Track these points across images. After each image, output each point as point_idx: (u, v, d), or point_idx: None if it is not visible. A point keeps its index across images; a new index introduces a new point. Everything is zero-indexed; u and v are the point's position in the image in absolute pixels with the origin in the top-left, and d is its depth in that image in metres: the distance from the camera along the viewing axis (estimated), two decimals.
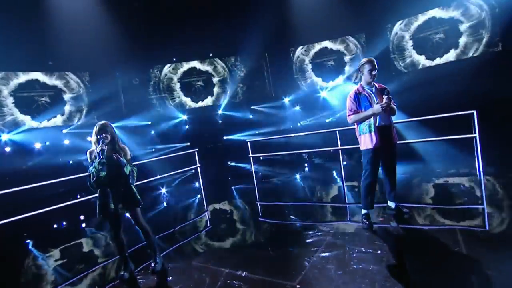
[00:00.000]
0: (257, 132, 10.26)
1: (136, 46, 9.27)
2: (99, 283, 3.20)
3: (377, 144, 3.36)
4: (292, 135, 7.02)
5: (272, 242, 3.55)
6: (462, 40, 7.72)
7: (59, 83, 9.23)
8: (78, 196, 6.63)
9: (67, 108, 9.33)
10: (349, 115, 3.55)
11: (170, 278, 3.03)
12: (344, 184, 5.71)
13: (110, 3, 8.86)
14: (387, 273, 2.49)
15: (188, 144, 10.21)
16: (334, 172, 6.83)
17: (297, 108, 10.52)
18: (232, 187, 7.06)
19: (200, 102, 11.07)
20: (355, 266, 2.66)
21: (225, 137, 10.79)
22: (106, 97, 9.65)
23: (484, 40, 7.34)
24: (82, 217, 6.23)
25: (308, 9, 9.60)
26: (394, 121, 3.65)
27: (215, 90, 11.10)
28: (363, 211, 3.55)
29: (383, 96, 3.28)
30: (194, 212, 5.56)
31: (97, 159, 2.82)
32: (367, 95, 3.46)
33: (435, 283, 2.31)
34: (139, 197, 3.10)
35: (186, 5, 9.67)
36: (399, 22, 8.72)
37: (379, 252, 2.86)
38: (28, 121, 8.71)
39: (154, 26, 9.62)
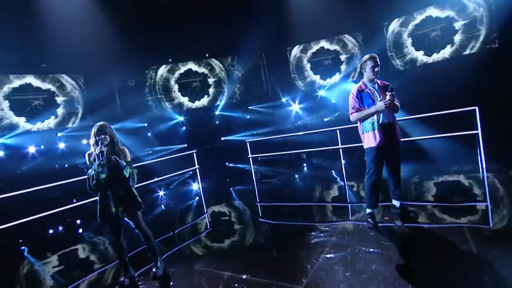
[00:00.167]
0: (254, 132, 10.19)
1: (131, 46, 9.12)
2: None
3: (381, 142, 3.30)
4: (292, 134, 6.95)
5: (275, 244, 3.47)
6: (460, 37, 7.72)
7: (52, 85, 9.06)
8: (74, 201, 6.49)
9: (62, 111, 9.17)
10: (351, 113, 3.50)
11: (172, 283, 2.94)
12: (346, 183, 5.65)
13: (104, 3, 8.72)
14: (397, 274, 2.42)
15: (186, 145, 10.11)
16: (333, 171, 6.77)
17: (296, 107, 10.47)
18: (232, 188, 6.96)
19: (197, 102, 10.96)
20: (363, 267, 2.59)
21: (222, 138, 10.70)
22: (102, 99, 9.50)
23: (482, 37, 7.34)
24: (78, 222, 6.10)
25: (304, 8, 9.55)
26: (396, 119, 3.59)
27: (212, 90, 11.00)
28: (368, 210, 3.49)
29: (387, 93, 3.23)
30: (193, 214, 5.47)
31: (96, 161, 2.72)
32: (369, 92, 3.40)
33: (447, 283, 2.25)
34: (140, 200, 3.00)
35: (181, 5, 9.57)
36: (396, 19, 8.71)
37: (386, 252, 2.80)
38: (22, 123, 8.54)
39: (149, 27, 9.49)
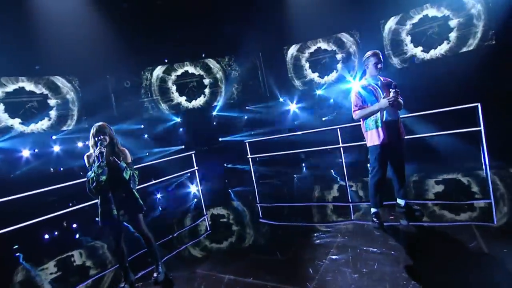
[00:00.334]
0: (253, 133, 10.12)
1: (127, 47, 8.99)
2: None
3: (385, 140, 3.24)
4: (292, 134, 6.88)
5: (279, 246, 3.38)
6: (457, 35, 7.71)
7: (46, 88, 8.89)
8: (70, 205, 6.36)
9: (57, 113, 9.01)
10: (354, 111, 3.43)
11: None
12: (347, 182, 5.59)
13: (98, 3, 8.59)
14: (406, 275, 2.35)
15: (183, 147, 10.00)
16: (332, 171, 6.71)
17: (293, 107, 10.41)
18: (231, 190, 6.87)
19: (194, 104, 10.84)
20: (371, 268, 2.52)
21: (220, 139, 10.61)
22: (97, 101, 9.36)
23: (479, 34, 7.34)
24: (75, 226, 5.97)
25: (301, 7, 9.50)
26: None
27: (209, 91, 10.90)
28: (373, 210, 3.42)
29: (390, 90, 3.16)
30: (193, 216, 5.37)
31: (96, 163, 2.61)
32: (373, 89, 3.34)
33: (459, 283, 2.19)
34: (141, 202, 2.91)
35: (177, 5, 9.47)
36: (392, 17, 8.69)
37: (393, 252, 2.73)
38: (16, 124, 8.37)
39: (144, 27, 9.36)
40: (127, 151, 2.90)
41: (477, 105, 4.13)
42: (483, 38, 7.28)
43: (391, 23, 8.77)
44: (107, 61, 9.18)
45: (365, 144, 3.52)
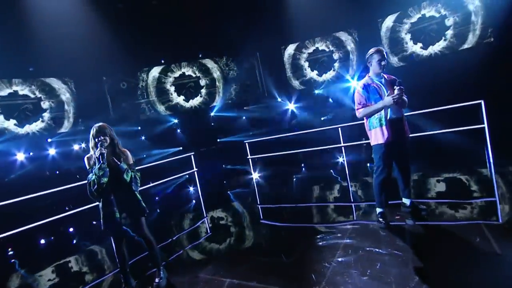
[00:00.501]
0: (251, 133, 10.03)
1: (122, 48, 8.85)
2: None
3: (389, 139, 3.18)
4: (292, 134, 6.81)
5: (283, 248, 3.30)
6: (455, 32, 7.70)
7: (41, 90, 8.73)
8: (67, 208, 6.23)
9: (52, 116, 8.85)
10: (358, 109, 3.38)
11: None
12: (349, 182, 5.52)
13: (93, 3, 8.46)
14: (418, 277, 2.28)
15: (181, 148, 9.89)
16: (332, 171, 6.64)
17: (291, 106, 10.36)
18: (231, 191, 6.78)
19: (191, 104, 10.73)
20: (380, 270, 2.45)
21: (219, 140, 10.52)
22: (93, 103, 9.22)
23: (477, 31, 7.33)
24: (71, 230, 5.85)
25: (299, 6, 9.45)
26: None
27: (207, 91, 10.80)
28: (378, 210, 3.36)
29: (395, 87, 3.11)
30: (192, 218, 5.28)
31: (96, 164, 2.52)
32: (376, 87, 3.28)
33: (472, 283, 2.13)
34: (144, 204, 2.82)
35: (174, 5, 9.38)
36: (390, 16, 8.66)
37: (402, 253, 2.67)
38: (11, 125, 8.21)
39: (140, 27, 9.23)
40: (128, 152, 2.81)
41: (481, 102, 4.09)
42: (482, 36, 7.28)
43: (389, 21, 8.74)
44: (103, 62, 9.04)
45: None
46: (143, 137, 9.98)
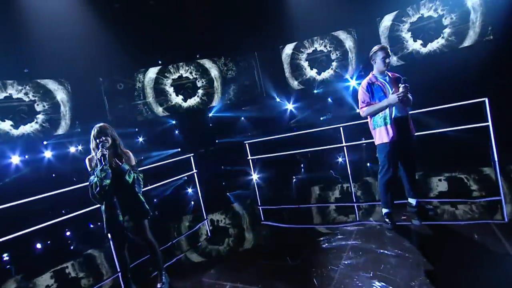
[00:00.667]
0: (250, 134, 9.95)
1: (119, 49, 8.73)
2: None
3: (394, 137, 3.12)
4: (293, 133, 6.74)
5: (287, 250, 3.22)
6: (455, 31, 7.69)
7: (36, 91, 8.58)
8: (64, 212, 6.11)
9: (48, 118, 8.70)
10: (361, 108, 3.31)
11: None
12: (351, 182, 5.46)
13: (89, 3, 8.33)
14: (430, 279, 2.22)
15: (179, 150, 9.78)
16: (331, 171, 6.57)
17: (290, 106, 10.29)
18: (231, 192, 6.69)
19: (189, 105, 10.61)
20: (390, 273, 2.38)
21: (217, 141, 10.42)
22: (90, 104, 9.08)
23: (477, 29, 7.32)
24: (68, 234, 5.74)
25: (297, 5, 9.40)
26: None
27: (205, 92, 10.69)
28: (384, 210, 3.29)
29: (400, 84, 3.05)
30: (192, 220, 5.19)
31: (98, 166, 2.43)
32: (381, 85, 3.22)
33: (489, 285, 2.06)
34: (147, 207, 2.74)
35: (171, 5, 9.28)
36: (389, 14, 8.63)
37: (411, 254, 2.60)
38: (7, 126, 8.05)
39: (137, 28, 9.10)
40: (130, 153, 2.72)
41: (485, 100, 4.05)
42: (482, 34, 7.26)
43: (388, 20, 8.70)
44: (99, 63, 8.89)
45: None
46: (140, 139, 9.85)
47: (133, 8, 8.95)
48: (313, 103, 9.81)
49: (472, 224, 2.94)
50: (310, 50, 10.14)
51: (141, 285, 3.00)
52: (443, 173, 4.73)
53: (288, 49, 10.39)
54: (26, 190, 5.80)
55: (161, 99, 10.38)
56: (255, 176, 7.21)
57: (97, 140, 2.53)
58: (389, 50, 3.22)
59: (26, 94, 8.47)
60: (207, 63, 10.69)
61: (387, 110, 3.15)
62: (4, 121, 8.06)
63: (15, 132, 8.18)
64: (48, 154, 8.47)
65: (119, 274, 3.48)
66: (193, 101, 10.61)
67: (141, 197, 2.70)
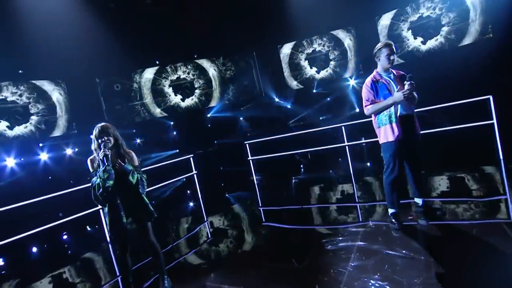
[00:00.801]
0: (248, 134, 9.86)
1: (116, 49, 8.61)
2: None
3: (400, 136, 3.05)
4: (294, 133, 6.67)
5: (292, 252, 3.15)
6: (454, 29, 7.67)
7: (31, 93, 8.43)
8: (61, 215, 5.99)
9: (44, 119, 8.55)
10: (366, 106, 3.25)
11: None
12: (354, 182, 5.39)
13: (85, 3, 8.20)
14: (441, 282, 2.15)
15: (177, 151, 9.68)
16: (331, 171, 6.52)
17: (290, 105, 10.23)
18: (231, 193, 6.61)
19: (187, 106, 10.50)
20: (401, 275, 2.31)
21: (216, 141, 10.33)
22: (86, 106, 8.95)
23: (477, 27, 7.30)
24: (65, 237, 5.62)
25: (295, 4, 9.35)
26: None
27: (203, 92, 10.59)
28: (391, 211, 3.23)
29: (405, 82, 2.99)
30: (193, 222, 5.10)
31: (101, 167, 2.34)
32: (385, 82, 3.16)
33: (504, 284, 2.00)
34: (152, 208, 2.66)
35: (168, 4, 9.18)
36: (388, 13, 8.60)
37: (421, 256, 2.53)
38: (2, 126, 7.90)
39: (134, 27, 8.98)
40: (133, 153, 2.64)
41: (489, 98, 4.00)
42: (482, 32, 7.25)
43: (387, 19, 8.67)
44: (96, 63, 8.77)
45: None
46: (138, 140, 9.74)
47: (129, 8, 8.83)
48: (312, 102, 9.76)
49: (481, 224, 2.89)
50: (308, 49, 10.09)
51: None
52: (448, 172, 4.68)
53: (287, 48, 10.33)
54: (22, 193, 5.69)
55: (158, 99, 10.27)
56: (255, 177, 7.13)
57: (99, 140, 2.45)
58: (393, 47, 3.15)
59: (21, 95, 8.33)
60: (205, 63, 10.59)
61: (392, 108, 3.09)
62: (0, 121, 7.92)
63: (10, 133, 8.04)
64: (44, 156, 8.33)
65: (119, 278, 3.39)
66: (191, 101, 10.51)
67: (145, 198, 2.62)
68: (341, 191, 5.10)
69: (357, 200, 4.46)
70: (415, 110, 3.31)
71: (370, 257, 2.66)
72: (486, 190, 3.76)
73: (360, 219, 3.68)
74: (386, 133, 3.14)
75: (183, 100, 10.43)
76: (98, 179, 2.36)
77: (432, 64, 7.46)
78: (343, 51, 9.66)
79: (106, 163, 2.33)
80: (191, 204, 6.34)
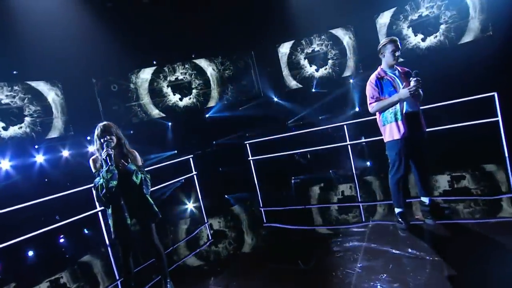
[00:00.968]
0: (247, 134, 9.78)
1: (113, 49, 8.48)
2: None
3: (406, 134, 2.99)
4: (294, 133, 6.61)
5: (297, 253, 3.07)
6: (454, 26, 7.66)
7: (26, 94, 8.28)
8: (58, 218, 5.88)
9: (40, 121, 8.41)
10: (370, 103, 3.18)
11: None
12: (356, 181, 5.33)
13: (81, 2, 8.08)
14: (453, 283, 2.09)
15: (175, 152, 9.58)
16: (330, 171, 6.45)
17: (289, 105, 10.18)
18: (232, 194, 6.52)
19: (185, 106, 10.39)
20: (412, 277, 2.24)
21: (215, 142, 10.24)
22: (83, 107, 8.82)
23: (478, 25, 7.30)
24: (62, 241, 5.51)
25: (293, 3, 9.30)
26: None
27: (202, 92, 10.49)
28: (397, 210, 3.16)
29: (411, 78, 2.93)
30: (193, 224, 5.01)
31: (104, 167, 2.26)
32: (390, 79, 3.10)
33: None
34: (156, 209, 2.58)
35: (165, 4, 9.08)
36: (387, 11, 8.57)
37: (430, 256, 2.47)
38: None
39: (131, 27, 8.87)
40: (136, 153, 2.56)
41: (494, 95, 3.96)
42: (482, 29, 7.24)
43: (386, 17, 8.64)
44: (92, 63, 8.65)
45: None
46: (135, 142, 9.61)
47: (126, 7, 8.72)
48: (311, 102, 9.70)
49: (488, 222, 2.84)
50: (307, 48, 10.04)
51: None
52: (453, 170, 4.62)
53: (285, 47, 10.27)
54: (17, 195, 5.57)
55: (156, 100, 10.15)
56: (256, 177, 7.05)
57: (102, 140, 2.37)
58: (399, 43, 3.10)
59: (14, 97, 8.18)
60: (203, 63, 10.50)
61: (398, 106, 3.03)
62: None
63: (5, 134, 7.89)
64: (40, 158, 8.19)
65: (118, 282, 3.30)
66: (189, 101, 10.41)
67: (149, 198, 2.54)
68: (342, 191, 5.04)
69: (359, 200, 4.40)
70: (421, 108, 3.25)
71: (378, 257, 2.59)
72: (493, 188, 3.71)
73: (365, 219, 3.61)
74: (391, 131, 3.08)
75: (181, 100, 10.33)
76: (101, 180, 2.28)
77: (433, 62, 7.43)
78: (342, 50, 9.62)
79: (110, 163, 2.25)
80: (191, 205, 6.24)
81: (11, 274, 4.37)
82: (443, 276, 2.19)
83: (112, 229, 2.40)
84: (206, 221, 5.06)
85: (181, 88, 10.34)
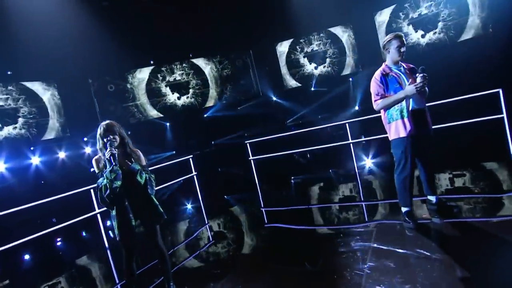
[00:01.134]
0: (246, 134, 9.72)
1: (109, 48, 8.36)
2: None
3: (412, 131, 2.93)
4: (294, 132, 6.54)
5: (303, 254, 3.01)
6: (454, 24, 7.64)
7: (21, 94, 8.14)
8: (55, 220, 5.77)
9: (35, 122, 8.27)
10: (375, 100, 3.11)
11: None
12: (359, 180, 5.27)
13: (77, 2, 7.95)
14: (465, 283, 2.03)
15: (174, 152, 9.48)
16: (330, 170, 6.39)
17: (288, 104, 10.12)
18: (231, 194, 6.44)
19: (183, 106, 10.29)
20: (423, 278, 2.17)
21: (213, 142, 10.16)
22: (79, 107, 8.70)
23: (477, 23, 7.28)
24: (59, 244, 5.40)
25: (291, 1, 9.24)
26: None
27: (200, 92, 10.39)
28: (404, 209, 3.10)
29: (417, 74, 2.88)
30: (193, 225, 4.93)
31: (107, 167, 2.18)
32: (395, 76, 3.04)
33: None
34: (161, 210, 2.50)
35: (163, 3, 8.98)
36: (386, 9, 8.54)
37: (439, 255, 2.41)
38: None
39: (128, 26, 8.74)
40: (140, 152, 2.48)
41: (499, 91, 3.93)
42: (482, 27, 7.22)
43: (385, 15, 8.60)
44: (88, 63, 8.52)
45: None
46: (133, 142, 9.50)
47: (123, 6, 8.60)
48: (310, 100, 9.65)
49: (496, 221, 2.79)
50: (306, 47, 9.99)
51: None
52: (457, 168, 4.57)
53: (284, 46, 10.21)
54: (13, 198, 5.46)
55: (154, 100, 10.05)
56: (256, 177, 6.99)
57: (105, 139, 2.29)
58: (404, 39, 3.04)
59: (10, 97, 8.04)
60: (201, 62, 10.41)
61: (404, 103, 2.97)
62: None
63: (0, 134, 7.75)
64: (36, 160, 8.06)
65: (118, 285, 3.22)
66: (187, 101, 10.31)
67: (154, 199, 2.47)
68: (350, 189, 4.98)
69: (362, 199, 4.34)
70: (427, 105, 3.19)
71: (387, 257, 2.53)
72: (500, 185, 3.67)
73: (371, 219, 3.55)
74: (397, 129, 3.02)
75: (179, 100, 10.23)
76: (105, 180, 2.20)
77: (434, 59, 7.39)
78: (341, 48, 9.57)
79: (114, 163, 2.18)
80: (191, 205, 6.16)
81: (8, 279, 4.26)
82: (453, 276, 2.13)
83: (116, 231, 2.32)
84: (206, 222, 4.98)
85: (179, 88, 10.24)
